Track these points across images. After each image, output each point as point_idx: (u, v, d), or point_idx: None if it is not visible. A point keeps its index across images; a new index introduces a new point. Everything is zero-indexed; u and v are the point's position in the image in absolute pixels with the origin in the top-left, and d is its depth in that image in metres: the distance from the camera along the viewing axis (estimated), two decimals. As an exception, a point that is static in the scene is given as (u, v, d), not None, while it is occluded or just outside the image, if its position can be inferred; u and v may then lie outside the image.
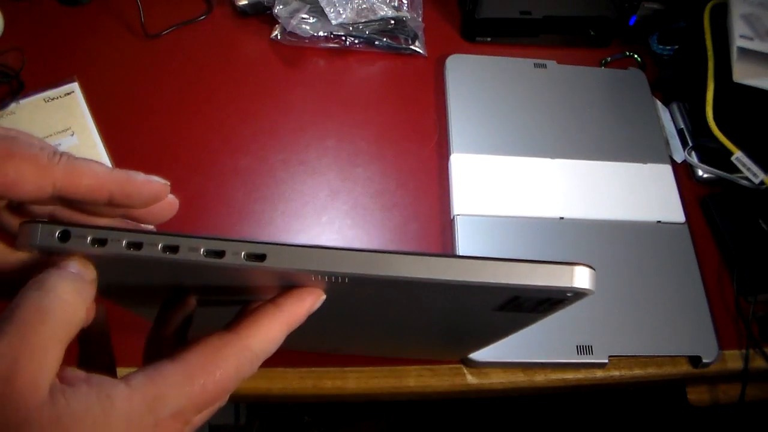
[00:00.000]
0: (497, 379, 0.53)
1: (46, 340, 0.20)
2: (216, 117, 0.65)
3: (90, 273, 0.23)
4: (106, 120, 0.61)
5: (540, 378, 0.54)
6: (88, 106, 0.61)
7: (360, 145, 0.64)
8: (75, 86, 0.62)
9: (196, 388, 0.22)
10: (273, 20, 0.70)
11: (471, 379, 0.53)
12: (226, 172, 0.61)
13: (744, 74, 0.61)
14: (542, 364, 0.53)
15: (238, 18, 0.73)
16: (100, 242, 0.23)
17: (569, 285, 0.24)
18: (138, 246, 0.23)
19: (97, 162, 0.24)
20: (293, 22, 0.67)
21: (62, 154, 0.23)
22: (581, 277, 0.24)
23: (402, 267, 0.23)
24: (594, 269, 0.24)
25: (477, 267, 0.24)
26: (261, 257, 0.23)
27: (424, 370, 0.53)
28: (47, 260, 0.23)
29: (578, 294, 0.25)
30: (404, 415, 0.98)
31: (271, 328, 0.24)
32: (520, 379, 0.53)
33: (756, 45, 0.61)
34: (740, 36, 0.61)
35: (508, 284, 0.24)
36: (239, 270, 0.23)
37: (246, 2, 0.71)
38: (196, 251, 0.23)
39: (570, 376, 0.54)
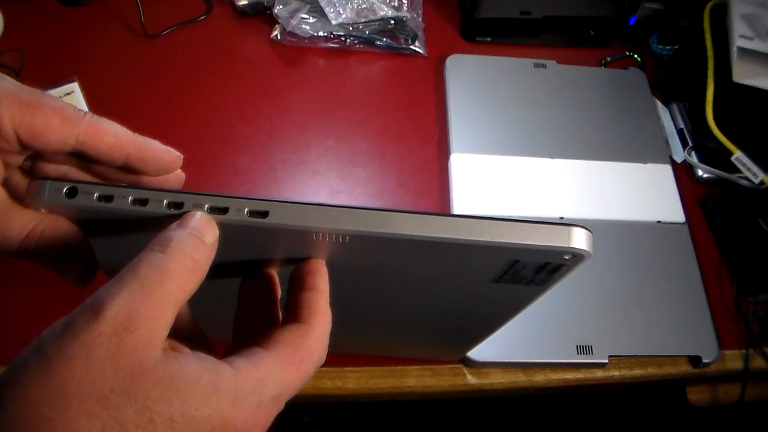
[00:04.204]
0: (497, 379, 0.53)
1: (163, 300, 0.20)
2: (216, 117, 0.65)
3: (211, 235, 0.23)
4: (106, 120, 0.61)
5: (540, 378, 0.54)
6: (88, 106, 0.61)
7: (360, 145, 0.64)
8: (75, 86, 0.62)
9: (291, 375, 0.23)
10: (273, 20, 0.70)
11: (471, 379, 0.53)
12: (225, 172, 0.61)
13: (744, 74, 0.61)
14: (542, 364, 0.53)
15: (238, 18, 0.73)
16: (107, 198, 0.23)
17: (567, 245, 0.24)
18: (143, 202, 0.23)
19: (118, 124, 0.25)
20: (293, 22, 0.67)
21: (86, 112, 0.24)
22: (579, 238, 0.24)
23: (403, 225, 0.23)
24: (591, 232, 0.25)
25: (476, 226, 0.24)
26: (264, 214, 0.23)
27: (424, 370, 0.53)
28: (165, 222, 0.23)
29: (576, 257, 0.25)
30: (404, 415, 0.98)
31: (327, 312, 0.25)
32: (520, 379, 0.53)
33: (756, 45, 0.61)
34: (740, 36, 0.61)
35: (506, 243, 0.24)
36: (241, 229, 0.23)
37: (246, 2, 0.71)
38: (199, 208, 0.23)
39: (570, 376, 0.54)
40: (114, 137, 0.25)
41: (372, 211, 0.23)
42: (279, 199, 0.23)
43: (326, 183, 0.61)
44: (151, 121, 0.63)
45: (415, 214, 0.24)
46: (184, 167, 0.28)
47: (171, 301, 0.21)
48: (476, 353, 0.51)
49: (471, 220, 0.24)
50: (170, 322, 0.21)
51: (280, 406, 0.23)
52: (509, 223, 0.24)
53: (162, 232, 0.22)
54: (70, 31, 0.69)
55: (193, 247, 0.22)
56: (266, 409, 0.22)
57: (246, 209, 0.23)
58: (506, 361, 0.53)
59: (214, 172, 0.61)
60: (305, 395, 0.52)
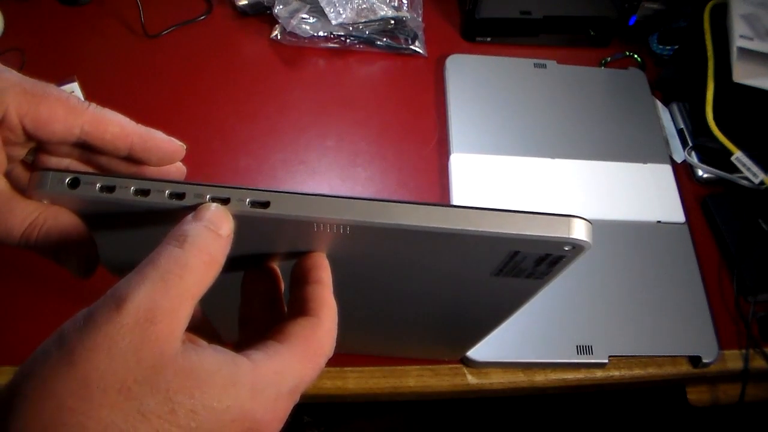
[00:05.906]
0: (497, 379, 0.53)
1: (183, 294, 0.20)
2: (216, 117, 0.65)
3: (227, 228, 0.23)
4: (106, 120, 0.61)
5: (540, 378, 0.54)
6: (88, 106, 0.61)
7: (360, 145, 0.64)
8: (75, 86, 0.62)
9: (306, 367, 0.23)
10: (273, 20, 0.70)
11: (471, 379, 0.53)
12: (225, 172, 0.61)
13: (744, 74, 0.61)
14: (542, 364, 0.53)
15: (238, 18, 0.73)
16: (109, 189, 0.23)
17: (566, 236, 0.24)
18: (145, 192, 0.23)
19: (122, 115, 0.26)
20: (293, 22, 0.67)
21: (90, 102, 0.25)
22: (579, 229, 0.24)
23: (403, 215, 0.24)
24: (591, 223, 0.25)
25: (476, 216, 0.24)
26: (265, 204, 0.23)
27: (424, 370, 0.53)
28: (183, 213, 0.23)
29: (576, 248, 0.25)
30: (404, 415, 0.98)
31: (333, 304, 0.26)
32: (520, 379, 0.53)
33: (756, 45, 0.61)
34: (740, 36, 0.61)
35: (506, 234, 0.24)
36: (242, 220, 0.23)
37: (246, 2, 0.71)
38: (201, 198, 0.23)
39: (570, 376, 0.54)
40: (118, 127, 0.25)
41: (373, 202, 0.24)
42: (280, 190, 0.23)
43: (326, 183, 0.61)
44: (151, 121, 0.63)
45: (415, 205, 0.24)
46: (185, 165, 0.29)
47: (190, 294, 0.21)
48: (476, 353, 0.51)
49: (471, 210, 0.24)
50: (189, 316, 0.21)
51: (297, 398, 0.24)
52: (509, 213, 0.24)
53: (178, 225, 0.22)
54: (70, 31, 0.69)
55: (209, 241, 0.22)
56: (284, 401, 0.23)
57: (247, 199, 0.23)
58: (506, 361, 0.53)
59: (213, 172, 0.61)
60: (305, 395, 0.51)
